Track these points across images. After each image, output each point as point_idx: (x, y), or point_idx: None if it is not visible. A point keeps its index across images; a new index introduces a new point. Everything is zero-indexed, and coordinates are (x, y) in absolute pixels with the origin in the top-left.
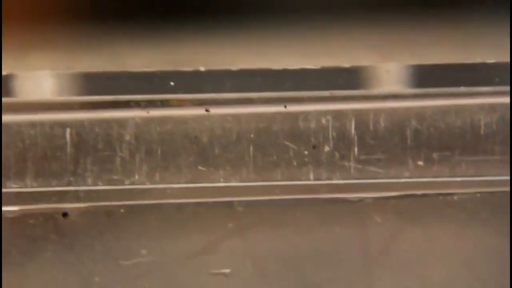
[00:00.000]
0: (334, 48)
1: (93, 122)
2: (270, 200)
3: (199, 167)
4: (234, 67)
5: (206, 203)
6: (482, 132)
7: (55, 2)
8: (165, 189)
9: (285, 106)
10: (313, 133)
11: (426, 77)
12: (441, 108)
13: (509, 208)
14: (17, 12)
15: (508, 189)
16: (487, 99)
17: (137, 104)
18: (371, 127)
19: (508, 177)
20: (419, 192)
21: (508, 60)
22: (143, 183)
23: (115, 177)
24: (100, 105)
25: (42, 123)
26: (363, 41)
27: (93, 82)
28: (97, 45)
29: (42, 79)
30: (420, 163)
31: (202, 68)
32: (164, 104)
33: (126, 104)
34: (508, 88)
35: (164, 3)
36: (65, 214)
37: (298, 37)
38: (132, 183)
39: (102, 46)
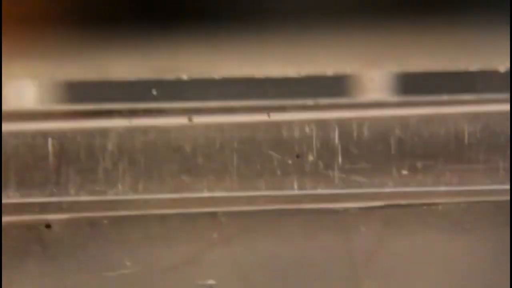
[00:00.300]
0: (317, 55)
1: (75, 132)
2: (254, 210)
3: (183, 177)
4: (216, 75)
5: (190, 213)
6: (466, 141)
7: (36, 10)
8: (149, 199)
9: (268, 115)
10: (296, 142)
11: (410, 85)
12: (425, 116)
13: (493, 216)
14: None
15: (492, 198)
16: (471, 107)
17: (119, 113)
18: (355, 136)
19: (494, 186)
20: (403, 202)
21: (491, 68)
22: (126, 194)
23: (98, 188)
24: (82, 114)
25: (23, 133)
26: (346, 48)
27: (74, 91)
28: (78, 52)
29: (23, 87)
30: (405, 172)
31: (184, 77)
32: (146, 113)
33: (108, 113)
34: (491, 96)
35: (146, 12)
36: (48, 226)
37: (281, 44)
38: (115, 194)
39: (83, 53)
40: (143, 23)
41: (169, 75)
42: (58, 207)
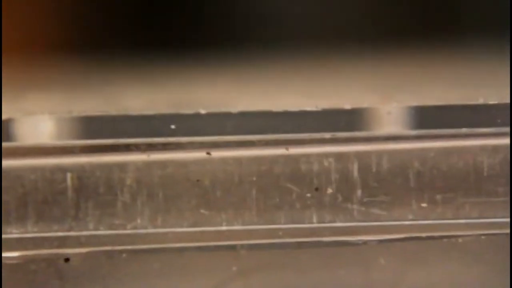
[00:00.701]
0: (335, 88)
1: (93, 166)
2: (273, 243)
3: (201, 211)
4: (234, 108)
5: (209, 246)
6: (485, 173)
7: (50, 42)
8: (167, 233)
9: (287, 148)
10: (315, 175)
11: (428, 118)
12: (444, 149)
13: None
14: (14, 53)
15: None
16: (490, 140)
17: (137, 148)
18: (373, 168)
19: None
20: (423, 234)
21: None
22: (145, 227)
23: (117, 222)
24: (101, 148)
25: (42, 168)
26: (363, 80)
27: (93, 126)
28: (95, 85)
29: (41, 123)
30: (424, 205)
31: (202, 111)
32: (165, 147)
33: (127, 148)
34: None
35: (162, 43)
36: (66, 259)
37: (298, 77)
38: (134, 228)
39: (100, 86)
40: (159, 54)
41: (186, 108)
42: (77, 241)
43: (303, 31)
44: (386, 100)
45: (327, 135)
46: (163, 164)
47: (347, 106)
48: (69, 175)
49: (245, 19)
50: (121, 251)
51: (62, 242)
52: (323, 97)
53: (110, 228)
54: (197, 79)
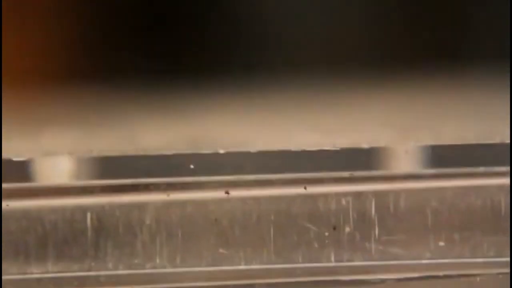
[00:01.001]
0: (351, 125)
1: (113, 206)
2: (291, 282)
3: (220, 250)
4: (252, 145)
5: (227, 286)
6: (502, 212)
7: (68, 79)
8: (186, 272)
9: (305, 187)
10: (333, 214)
11: (445, 157)
12: (461, 188)
13: None
14: (30, 92)
15: None
16: (507, 179)
17: (156, 187)
18: (391, 207)
19: None
20: (441, 273)
21: None
22: (164, 267)
23: (136, 261)
24: (120, 188)
25: (62, 208)
26: (380, 117)
27: (112, 165)
28: (113, 122)
29: (61, 163)
30: (441, 243)
31: (221, 150)
32: (184, 187)
33: (146, 188)
34: None
35: (179, 81)
36: None
37: (315, 113)
38: (153, 267)
39: (118, 123)
40: (177, 91)
41: (204, 145)
42: (96, 281)
43: (320, 67)
44: (403, 138)
45: (345, 174)
46: (182, 203)
47: (365, 145)
48: (89, 215)
49: (263, 56)
50: None
51: (82, 282)
52: (340, 135)
53: (130, 268)
54: (215, 116)
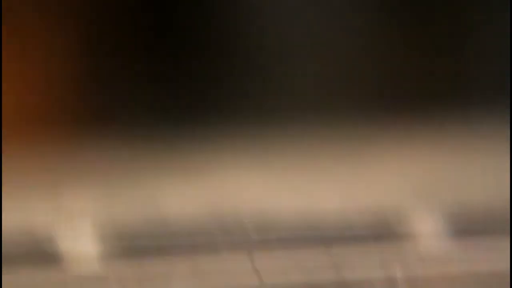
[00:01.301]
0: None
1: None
2: None
3: None
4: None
5: None
6: None
7: (85, 138)
8: None
9: None
10: None
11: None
12: None
13: None
14: (48, 148)
15: None
16: None
17: (181, 259)
18: None
19: None
20: None
21: None
22: None
23: None
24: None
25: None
26: (403, 180)
27: (136, 243)
28: (133, 185)
29: (80, 229)
30: None
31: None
32: (208, 258)
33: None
34: None
35: (196, 141)
36: None
37: (337, 173)
38: None
39: (138, 186)
40: (195, 151)
41: (225, 209)
42: None
43: (338, 124)
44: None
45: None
46: (207, 273)
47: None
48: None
49: (279, 115)
50: None
51: None
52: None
53: None
54: (235, 176)
